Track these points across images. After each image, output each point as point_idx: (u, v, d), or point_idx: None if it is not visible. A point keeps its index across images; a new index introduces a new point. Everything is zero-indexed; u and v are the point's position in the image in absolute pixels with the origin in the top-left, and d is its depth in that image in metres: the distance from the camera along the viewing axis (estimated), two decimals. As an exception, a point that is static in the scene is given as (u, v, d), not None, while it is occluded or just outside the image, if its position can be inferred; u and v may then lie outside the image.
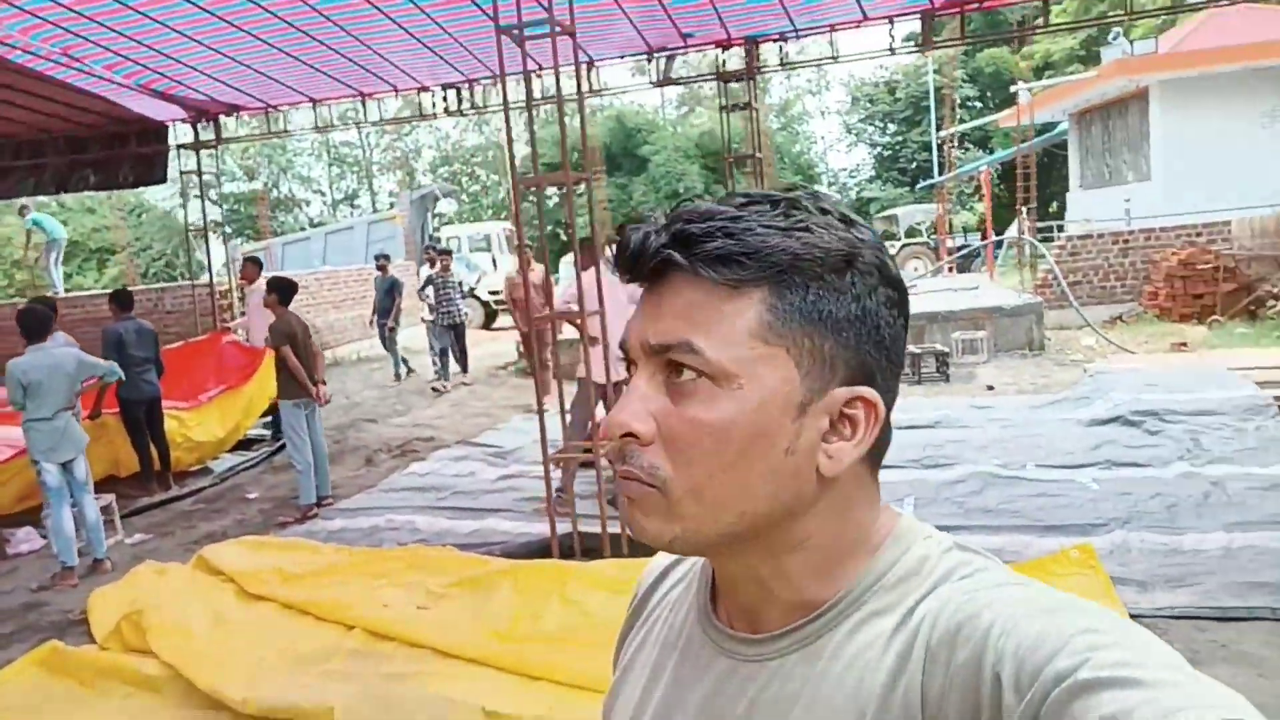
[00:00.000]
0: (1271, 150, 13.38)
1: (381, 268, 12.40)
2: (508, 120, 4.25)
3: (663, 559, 0.89)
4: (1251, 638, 3.68)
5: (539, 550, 5.11)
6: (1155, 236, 12.03)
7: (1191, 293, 11.43)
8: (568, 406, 6.08)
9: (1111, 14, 16.94)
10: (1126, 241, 12.13)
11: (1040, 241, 13.20)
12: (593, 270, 5.81)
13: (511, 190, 4.52)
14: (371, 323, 12.85)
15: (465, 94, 9.01)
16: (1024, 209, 15.01)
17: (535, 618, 4.23)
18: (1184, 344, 10.05)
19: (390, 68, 8.55)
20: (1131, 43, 13.62)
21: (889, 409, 0.68)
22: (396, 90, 9.23)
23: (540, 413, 5.01)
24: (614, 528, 4.97)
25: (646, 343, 0.67)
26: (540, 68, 4.68)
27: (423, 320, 13.21)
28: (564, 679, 3.78)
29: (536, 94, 5.91)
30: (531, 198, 9.82)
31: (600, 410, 6.08)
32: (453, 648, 4.09)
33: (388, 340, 12.63)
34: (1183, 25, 15.58)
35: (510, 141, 4.40)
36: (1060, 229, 16.12)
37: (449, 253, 12.40)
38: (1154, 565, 4.34)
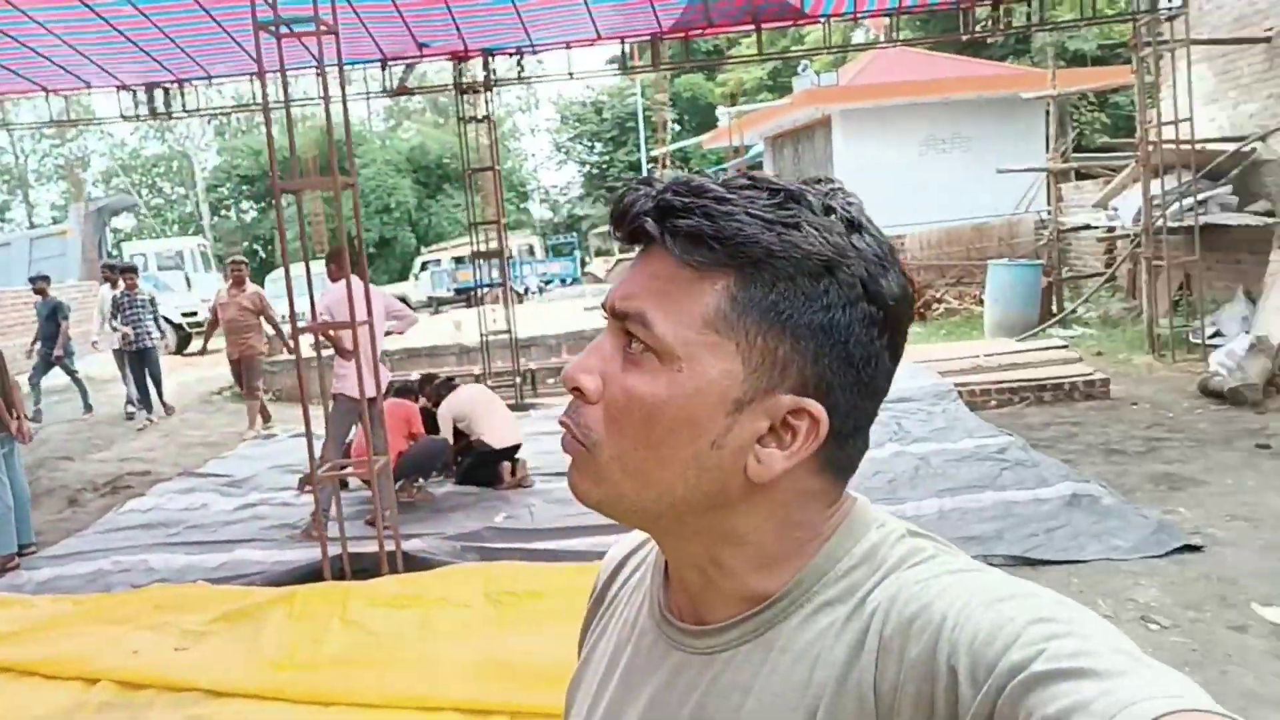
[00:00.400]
0: (930, 174, 15.53)
1: (40, 290, 10.88)
2: (268, 121, 3.95)
3: (623, 547, 0.88)
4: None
5: (306, 576, 4.82)
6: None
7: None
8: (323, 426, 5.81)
9: (794, 49, 18.85)
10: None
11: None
12: (346, 281, 5.60)
13: (276, 197, 4.17)
14: (31, 352, 11.19)
15: (175, 93, 8.26)
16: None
17: (316, 643, 4.00)
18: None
19: (84, 63, 7.66)
20: (818, 75, 15.24)
21: (858, 428, 0.67)
22: (89, 86, 8.27)
23: (308, 435, 4.74)
24: (389, 544, 4.82)
25: (613, 305, 0.67)
26: (273, 69, 4.43)
27: (94, 345, 11.80)
28: (359, 700, 3.62)
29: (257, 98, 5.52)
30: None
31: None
32: (225, 685, 3.77)
33: (67, 369, 11.13)
34: (859, 60, 17.66)
35: (271, 144, 4.07)
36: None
37: (133, 270, 11.12)
38: (886, 531, 4.93)
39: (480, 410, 6.57)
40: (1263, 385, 6.77)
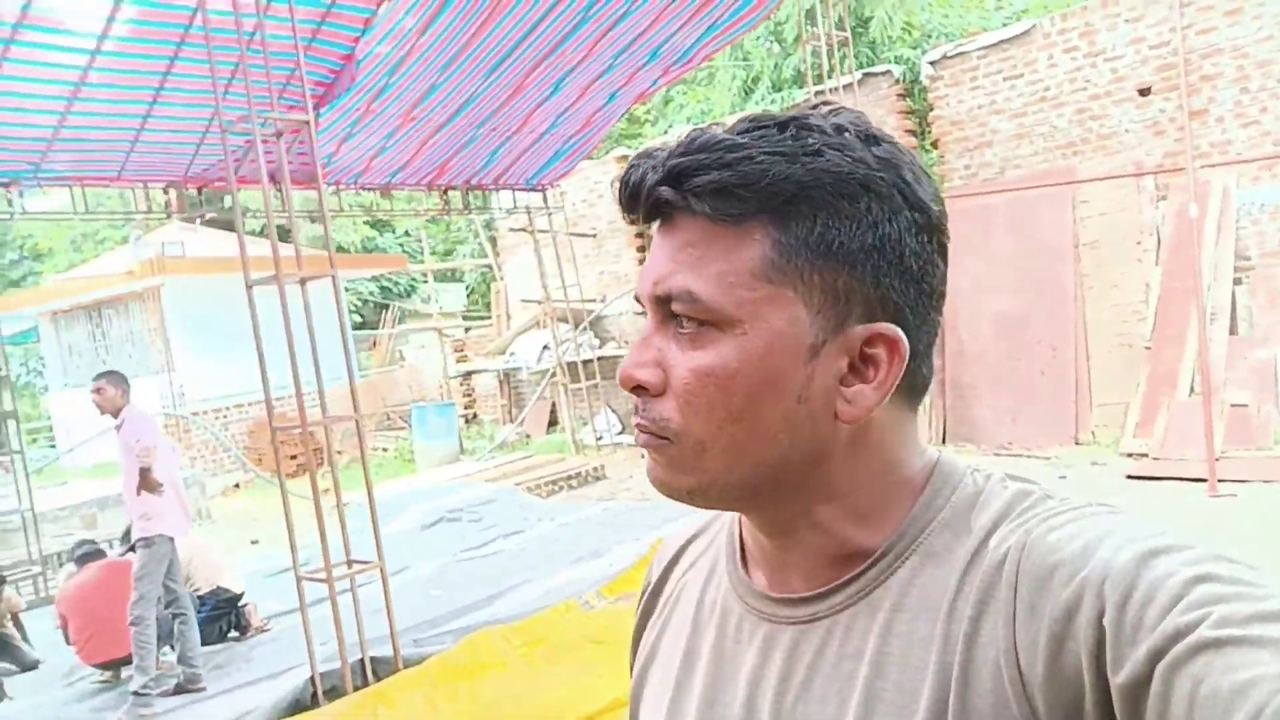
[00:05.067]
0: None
1: None
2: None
3: (677, 539, 0.85)
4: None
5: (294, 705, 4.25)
6: (245, 409, 13.55)
7: (288, 455, 13.37)
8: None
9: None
10: (229, 414, 13.31)
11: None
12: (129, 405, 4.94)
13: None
14: None
15: None
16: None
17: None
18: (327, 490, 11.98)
19: None
20: (163, 245, 14.69)
21: (928, 344, 0.65)
22: None
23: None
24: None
25: (650, 293, 0.64)
26: None
27: None
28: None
29: None
30: None
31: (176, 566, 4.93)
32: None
33: None
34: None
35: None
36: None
37: None
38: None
39: (201, 555, 5.85)
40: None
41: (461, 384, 15.17)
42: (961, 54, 9.24)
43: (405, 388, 14.36)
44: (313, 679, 4.38)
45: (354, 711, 4.14)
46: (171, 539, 4.89)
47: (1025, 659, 0.54)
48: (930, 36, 10.03)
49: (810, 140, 0.60)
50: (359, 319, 21.44)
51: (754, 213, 0.60)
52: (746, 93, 11.00)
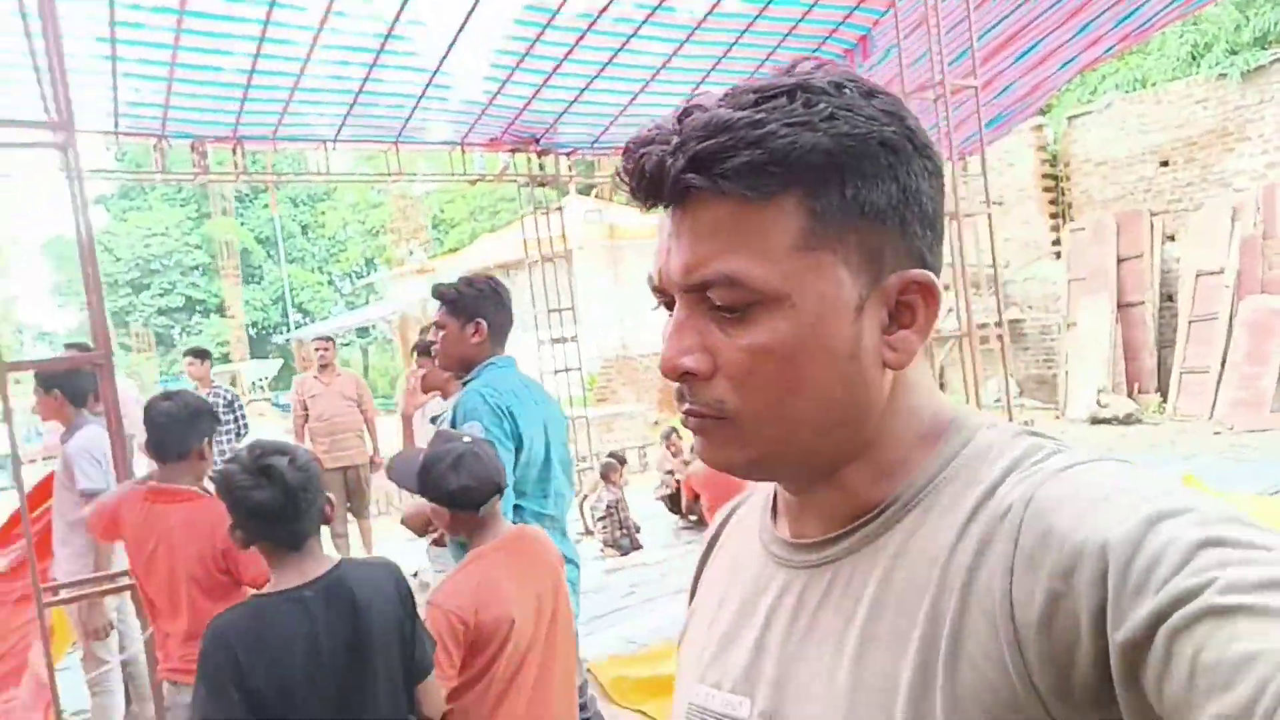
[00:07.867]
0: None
1: None
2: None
3: (734, 501, 0.89)
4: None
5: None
6: (649, 358, 15.38)
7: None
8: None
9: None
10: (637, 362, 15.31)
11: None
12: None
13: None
14: None
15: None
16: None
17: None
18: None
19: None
20: (599, 212, 16.92)
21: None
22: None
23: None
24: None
25: (681, 282, 0.64)
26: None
27: None
28: None
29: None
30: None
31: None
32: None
33: None
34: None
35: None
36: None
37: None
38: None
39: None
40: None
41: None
42: None
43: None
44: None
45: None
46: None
47: (1020, 612, 0.54)
48: None
49: (821, 105, 0.61)
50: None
51: (786, 187, 0.60)
52: (1194, 58, 10.86)
